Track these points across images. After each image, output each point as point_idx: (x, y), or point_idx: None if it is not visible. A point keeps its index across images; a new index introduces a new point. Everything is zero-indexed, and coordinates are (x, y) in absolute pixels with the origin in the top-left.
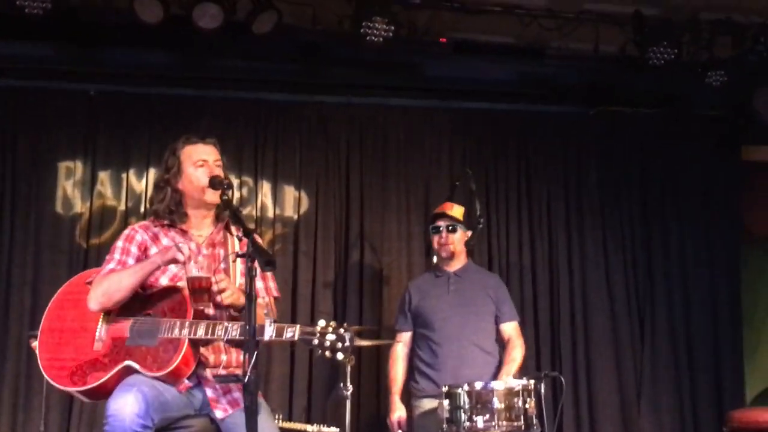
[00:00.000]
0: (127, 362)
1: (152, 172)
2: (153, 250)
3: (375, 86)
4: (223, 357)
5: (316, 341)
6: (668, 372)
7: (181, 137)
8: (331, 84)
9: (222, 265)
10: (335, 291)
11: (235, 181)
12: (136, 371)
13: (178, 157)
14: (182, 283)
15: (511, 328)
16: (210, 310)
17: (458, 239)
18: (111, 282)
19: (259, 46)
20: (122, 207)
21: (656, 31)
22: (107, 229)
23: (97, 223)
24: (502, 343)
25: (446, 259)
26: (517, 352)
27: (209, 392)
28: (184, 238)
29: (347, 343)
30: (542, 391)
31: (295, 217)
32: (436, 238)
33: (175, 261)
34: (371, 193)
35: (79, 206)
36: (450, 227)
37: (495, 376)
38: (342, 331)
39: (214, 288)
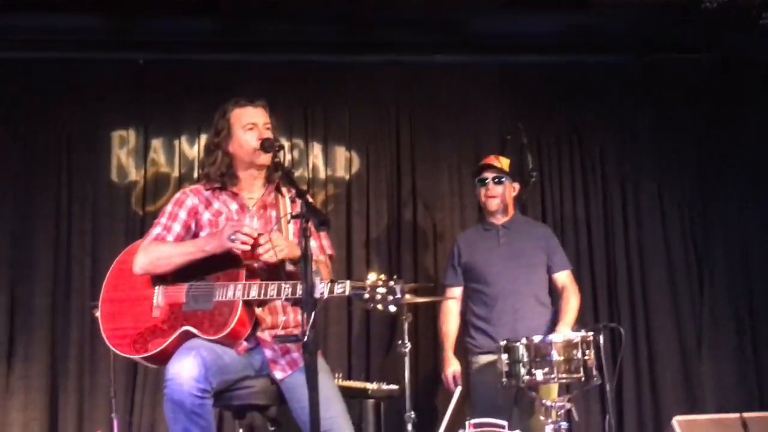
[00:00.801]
0: (185, 327)
1: (203, 138)
2: (205, 215)
3: (421, 44)
4: (281, 318)
5: (367, 295)
6: (728, 321)
7: (231, 100)
8: (376, 43)
9: (275, 227)
10: (389, 249)
11: (286, 144)
12: (194, 335)
13: (228, 120)
14: None
15: (564, 277)
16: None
17: (506, 190)
18: (161, 254)
19: (305, 8)
20: (176, 173)
21: None
22: (162, 195)
23: (151, 191)
24: (556, 293)
25: (494, 211)
26: (572, 301)
27: (268, 353)
28: (235, 200)
29: (398, 295)
30: (601, 342)
31: (347, 177)
32: (482, 191)
33: (229, 250)
34: (421, 150)
35: (134, 174)
36: (496, 178)
37: (551, 328)
38: (392, 283)
39: (266, 247)
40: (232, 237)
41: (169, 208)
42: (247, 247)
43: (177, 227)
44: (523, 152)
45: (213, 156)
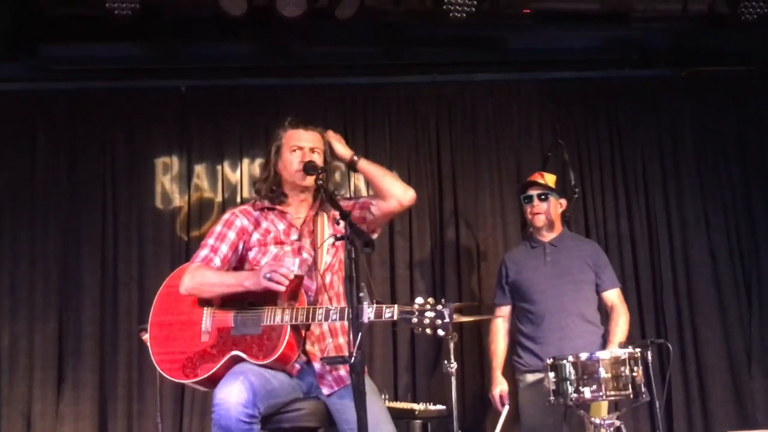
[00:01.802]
0: (234, 352)
1: (245, 163)
2: (254, 236)
3: (460, 63)
4: (325, 328)
5: (415, 319)
6: None
7: (288, 119)
8: (416, 63)
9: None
10: (433, 269)
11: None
12: (243, 360)
13: (280, 140)
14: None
15: (613, 296)
16: (312, 285)
17: (551, 207)
18: (204, 280)
19: (343, 31)
20: (219, 198)
21: None
22: (206, 220)
23: (195, 216)
24: (604, 311)
25: (541, 228)
26: (621, 321)
27: (317, 367)
28: (283, 220)
29: (447, 319)
30: (649, 358)
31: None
32: (528, 208)
33: (268, 289)
34: (463, 169)
35: (178, 200)
36: (541, 195)
37: (600, 346)
38: (440, 307)
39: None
40: (268, 276)
41: (218, 228)
42: (283, 288)
43: (224, 248)
44: (565, 169)
45: (266, 172)
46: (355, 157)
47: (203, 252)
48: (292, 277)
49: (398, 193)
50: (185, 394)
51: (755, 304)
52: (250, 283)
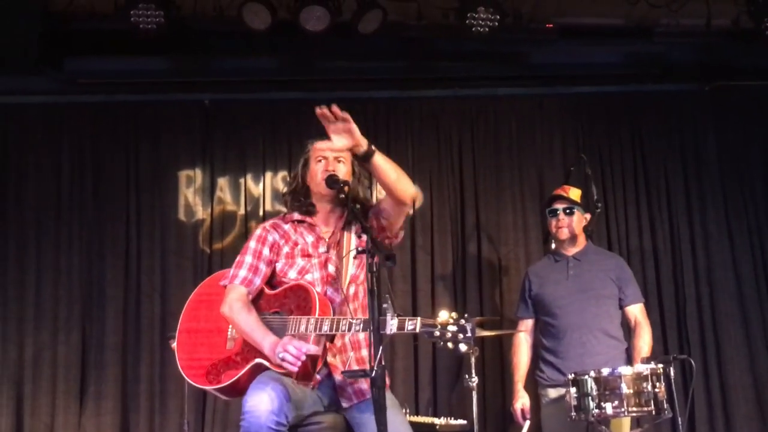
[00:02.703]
0: (258, 360)
1: (268, 176)
2: (284, 249)
3: (483, 77)
4: (347, 340)
5: (437, 333)
6: None
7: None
8: (438, 78)
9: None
10: (454, 284)
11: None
12: (266, 368)
13: (309, 151)
14: (309, 276)
15: (637, 311)
16: (337, 297)
17: (576, 221)
18: (236, 320)
19: (366, 46)
20: (242, 211)
21: None
22: (228, 233)
23: (218, 229)
24: (627, 326)
25: (564, 241)
26: (645, 336)
27: (337, 380)
28: (312, 233)
29: (469, 334)
30: (672, 374)
31: (411, 212)
32: (553, 222)
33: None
34: (485, 184)
35: (201, 213)
36: (567, 210)
37: (623, 361)
38: (463, 321)
39: None
40: (281, 356)
41: (252, 245)
42: (295, 369)
43: (263, 267)
44: (588, 183)
45: (294, 183)
46: (372, 148)
47: (242, 272)
48: (303, 358)
49: (402, 188)
50: (206, 406)
51: None
52: (266, 350)
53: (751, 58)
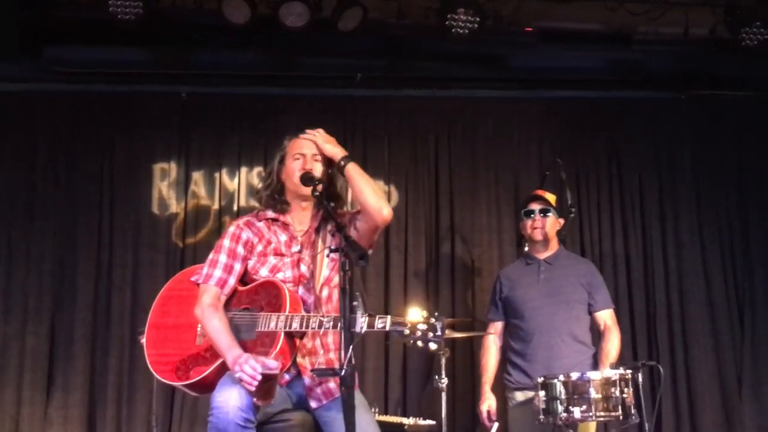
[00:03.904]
0: None
1: (244, 171)
2: (258, 247)
3: (462, 78)
4: (318, 343)
5: (407, 331)
6: None
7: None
8: (417, 78)
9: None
10: (427, 284)
11: None
12: None
13: (284, 148)
14: (281, 275)
15: (606, 316)
16: (309, 298)
17: (550, 224)
18: (208, 324)
19: (346, 43)
20: (216, 206)
21: (748, 11)
22: (202, 228)
23: (192, 223)
24: (596, 332)
25: (539, 243)
26: (614, 342)
27: (306, 380)
28: (285, 232)
29: (439, 333)
30: (640, 380)
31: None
32: (528, 222)
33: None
34: (460, 185)
35: (175, 206)
36: (543, 211)
37: (590, 366)
38: (433, 320)
39: None
40: (237, 375)
41: (226, 243)
42: (251, 388)
43: (237, 267)
44: (563, 188)
45: (269, 180)
46: (342, 162)
47: (217, 272)
48: (259, 378)
49: (373, 205)
50: (175, 401)
51: (747, 329)
52: (228, 362)
53: (727, 67)
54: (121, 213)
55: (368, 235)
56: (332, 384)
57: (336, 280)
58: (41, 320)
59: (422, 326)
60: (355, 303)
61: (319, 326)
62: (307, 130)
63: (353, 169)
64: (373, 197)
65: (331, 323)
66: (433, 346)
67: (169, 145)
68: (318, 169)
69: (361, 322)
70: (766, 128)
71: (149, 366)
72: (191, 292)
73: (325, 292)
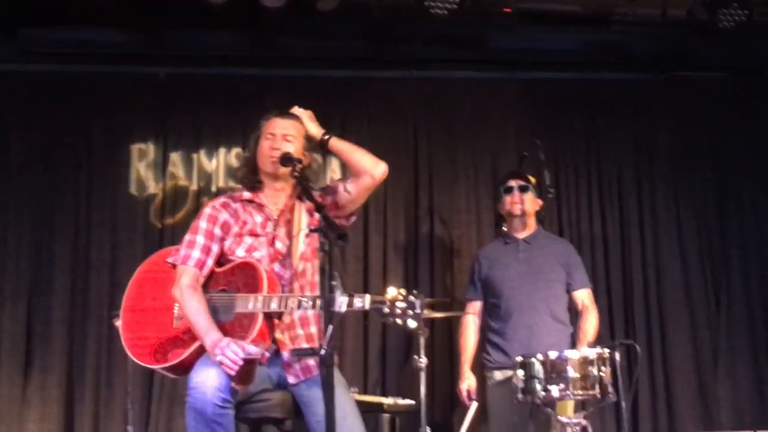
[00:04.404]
0: None
1: (222, 152)
2: (234, 228)
3: (440, 60)
4: (296, 316)
5: (386, 309)
6: (745, 339)
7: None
8: (396, 59)
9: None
10: (406, 265)
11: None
12: None
13: (259, 130)
14: (257, 254)
15: (584, 296)
16: (285, 274)
17: (529, 201)
18: (188, 306)
19: (325, 24)
20: (194, 187)
21: None
22: (180, 209)
23: (170, 204)
24: (574, 311)
25: (517, 219)
26: (591, 321)
27: (285, 356)
28: (260, 213)
29: (418, 310)
30: (617, 359)
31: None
32: (507, 198)
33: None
34: (439, 166)
35: (153, 187)
36: (522, 187)
37: (568, 345)
38: (412, 298)
39: None
40: (218, 358)
41: (203, 225)
42: (232, 373)
43: (215, 248)
44: (541, 169)
45: (244, 160)
46: (326, 136)
47: (195, 253)
48: (240, 363)
49: (369, 166)
50: (154, 382)
51: (723, 308)
52: (207, 347)
53: (704, 49)
54: (98, 194)
55: (363, 194)
56: (311, 361)
57: (311, 254)
58: (18, 301)
59: (401, 304)
60: (334, 283)
61: (299, 306)
62: (296, 107)
63: (339, 142)
64: (367, 157)
65: (311, 303)
66: (412, 323)
67: (146, 126)
68: (288, 148)
69: (341, 302)
70: (743, 109)
71: (126, 349)
72: (167, 273)
73: (300, 267)
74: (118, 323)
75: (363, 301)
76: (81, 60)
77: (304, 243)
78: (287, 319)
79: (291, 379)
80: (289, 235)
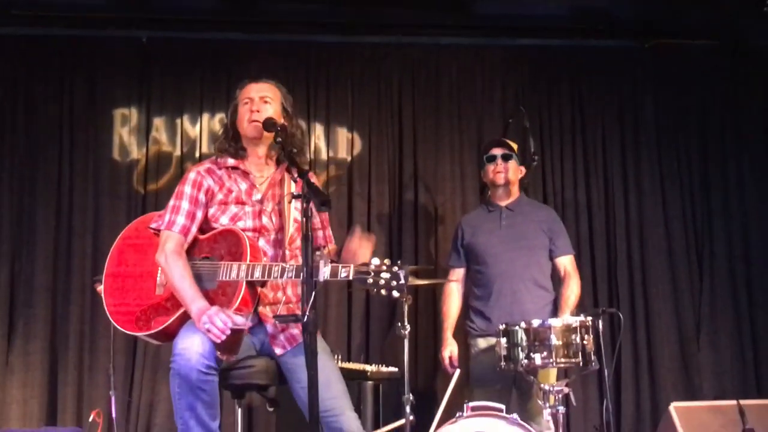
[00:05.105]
0: None
1: (206, 117)
2: (218, 196)
3: (426, 25)
4: (280, 294)
5: (370, 280)
6: (727, 307)
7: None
8: (381, 24)
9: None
10: (390, 232)
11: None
12: None
13: (237, 96)
14: (241, 224)
15: (566, 262)
16: (269, 251)
17: (512, 169)
18: (172, 272)
19: None
20: (177, 152)
21: None
22: (163, 174)
23: (153, 169)
24: (557, 278)
25: (500, 188)
26: (574, 287)
27: (269, 328)
28: (245, 180)
29: (402, 281)
30: (600, 327)
31: (349, 158)
32: (490, 167)
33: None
34: (424, 133)
35: (136, 153)
36: (505, 156)
37: (550, 311)
38: (396, 269)
39: None
40: (206, 326)
41: (188, 190)
42: (218, 341)
43: (199, 214)
44: (526, 136)
45: (224, 129)
46: None
47: (180, 219)
48: (228, 332)
49: None
50: (137, 348)
51: (706, 278)
52: (192, 315)
53: (690, 17)
54: (81, 159)
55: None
56: (296, 330)
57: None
58: (0, 268)
59: (385, 275)
60: (318, 252)
61: (281, 274)
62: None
63: None
64: None
65: (294, 272)
66: (396, 294)
67: (129, 91)
68: (268, 111)
69: (324, 271)
70: (728, 78)
71: (109, 316)
72: (150, 240)
73: (297, 237)
74: (100, 288)
75: (348, 272)
76: (62, 23)
77: (297, 210)
78: (271, 295)
79: (278, 350)
80: (279, 213)
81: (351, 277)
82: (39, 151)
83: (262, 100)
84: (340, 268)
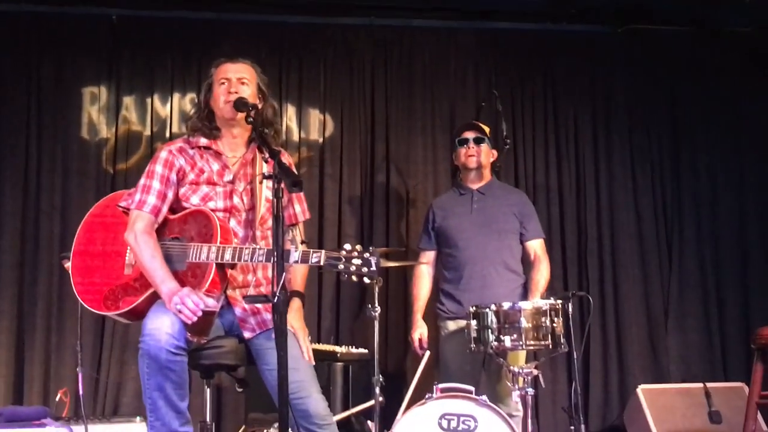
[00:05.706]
0: None
1: (176, 97)
2: (190, 176)
3: (399, 7)
4: (250, 277)
5: (342, 266)
6: (695, 292)
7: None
8: (354, 5)
9: (246, 186)
10: (361, 214)
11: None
12: None
13: (212, 76)
14: (212, 204)
15: (537, 246)
16: (240, 231)
17: (484, 152)
18: (142, 253)
19: None
20: (147, 132)
21: None
22: (133, 154)
23: (122, 149)
24: (527, 261)
25: (472, 172)
26: (543, 270)
27: (238, 312)
28: (218, 160)
29: (373, 267)
30: (570, 310)
31: (320, 140)
32: (462, 150)
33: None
34: (396, 115)
35: (105, 132)
36: (477, 139)
37: (520, 295)
38: (367, 255)
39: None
40: (177, 307)
41: (158, 169)
42: (189, 322)
43: (170, 194)
44: (498, 119)
45: (197, 108)
46: None
47: (151, 199)
48: (200, 313)
49: None
50: (105, 328)
51: (675, 262)
52: (163, 296)
53: (663, 3)
54: (49, 138)
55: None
56: (267, 315)
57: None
58: None
59: (357, 261)
60: (289, 239)
61: (252, 257)
62: None
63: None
64: None
65: (264, 256)
66: (367, 280)
67: (98, 69)
68: (245, 92)
69: (295, 256)
70: (700, 64)
71: (76, 295)
72: (119, 218)
73: (266, 225)
74: (68, 265)
75: (319, 257)
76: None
77: (267, 201)
78: (240, 278)
79: (247, 333)
80: (249, 192)
81: (322, 263)
82: (6, 129)
83: (240, 81)
84: (311, 253)
